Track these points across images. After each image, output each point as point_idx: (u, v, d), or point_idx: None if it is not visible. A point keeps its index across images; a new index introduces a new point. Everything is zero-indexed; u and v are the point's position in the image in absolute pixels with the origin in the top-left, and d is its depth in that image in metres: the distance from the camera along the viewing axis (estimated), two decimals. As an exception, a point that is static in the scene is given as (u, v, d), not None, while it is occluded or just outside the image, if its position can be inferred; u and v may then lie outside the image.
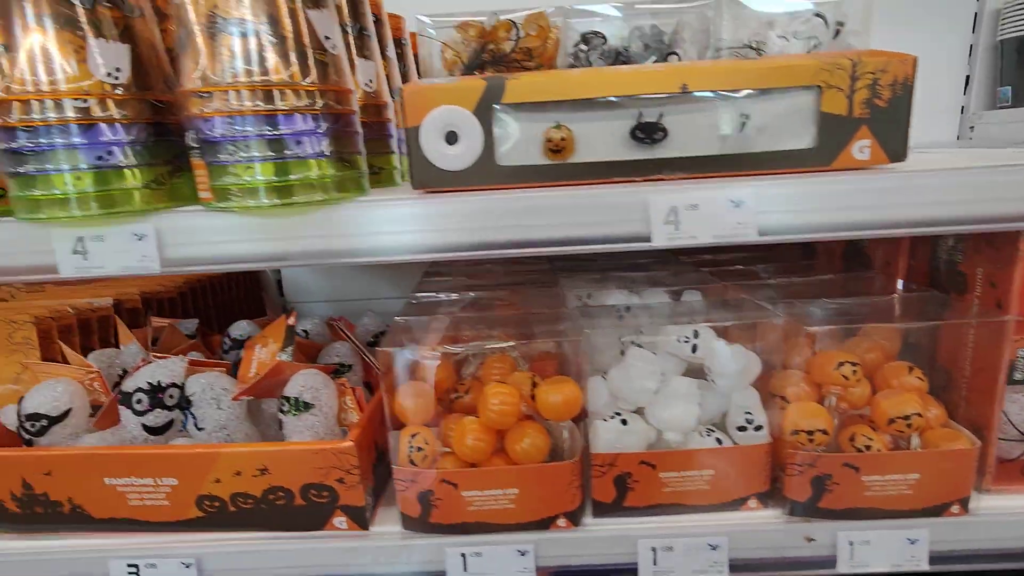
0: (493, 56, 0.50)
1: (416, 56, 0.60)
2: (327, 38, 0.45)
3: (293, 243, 0.47)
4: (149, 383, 0.57)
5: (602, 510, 0.55)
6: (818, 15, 0.50)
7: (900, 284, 0.64)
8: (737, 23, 0.52)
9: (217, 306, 0.97)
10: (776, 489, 0.55)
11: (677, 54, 0.51)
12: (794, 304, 0.59)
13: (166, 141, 0.48)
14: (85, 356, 0.67)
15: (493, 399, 0.51)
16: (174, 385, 0.59)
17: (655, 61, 0.52)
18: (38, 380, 0.61)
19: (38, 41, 0.42)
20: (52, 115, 0.43)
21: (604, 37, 0.51)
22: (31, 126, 0.43)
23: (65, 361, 0.73)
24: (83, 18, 0.42)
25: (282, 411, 0.57)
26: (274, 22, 0.42)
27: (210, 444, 0.54)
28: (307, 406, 0.56)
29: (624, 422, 0.54)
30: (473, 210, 0.46)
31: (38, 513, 0.55)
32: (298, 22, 0.43)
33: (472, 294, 0.68)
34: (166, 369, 0.59)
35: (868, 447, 0.51)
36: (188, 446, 0.54)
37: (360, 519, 0.54)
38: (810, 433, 0.51)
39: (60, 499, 0.55)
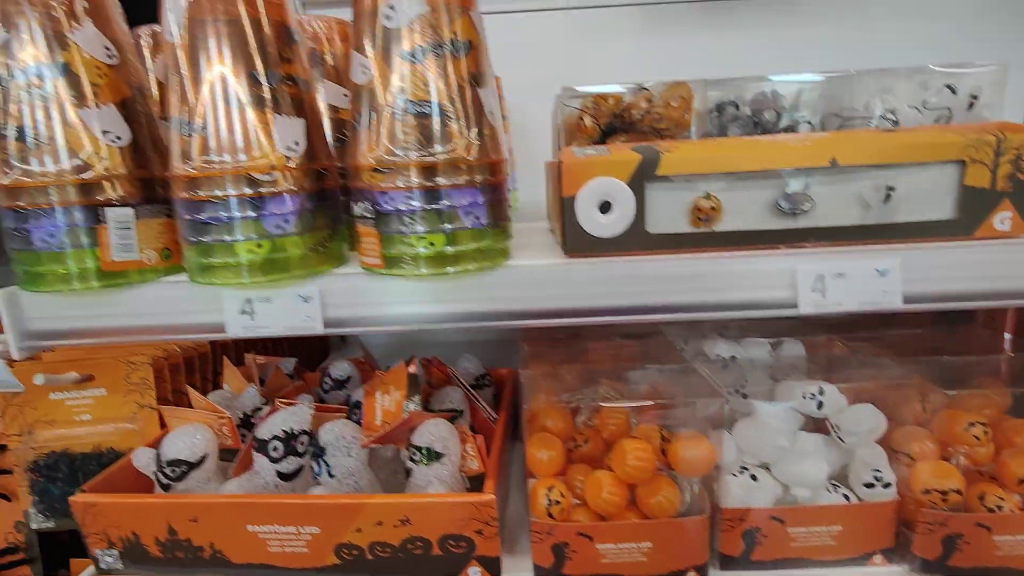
0: (630, 124, 0.52)
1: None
2: (491, 112, 0.47)
3: (449, 306, 0.49)
4: (284, 431, 0.59)
5: (729, 564, 0.56)
6: (948, 87, 0.52)
7: (1007, 338, 0.65)
8: (862, 91, 0.54)
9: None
10: (901, 545, 0.56)
11: (811, 123, 0.53)
12: (908, 361, 0.60)
13: (326, 207, 0.50)
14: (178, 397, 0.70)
15: (631, 454, 0.53)
16: (304, 432, 0.61)
17: (786, 128, 0.54)
18: (168, 423, 0.64)
19: (228, 119, 0.44)
20: (237, 189, 0.45)
21: (737, 105, 0.53)
22: (217, 199, 0.45)
23: (175, 401, 0.76)
24: (268, 96, 0.45)
25: (412, 460, 0.58)
26: (452, 103, 0.44)
27: (356, 495, 0.56)
28: (438, 456, 0.58)
29: (754, 477, 0.55)
30: (624, 275, 0.48)
31: (178, 557, 0.57)
32: (467, 100, 0.45)
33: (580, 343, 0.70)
34: (297, 417, 0.61)
35: (999, 507, 0.52)
36: (335, 496, 0.55)
37: (494, 569, 0.55)
38: (944, 493, 0.52)
39: (202, 544, 0.57)
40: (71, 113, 0.45)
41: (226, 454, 0.64)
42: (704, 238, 0.49)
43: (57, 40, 0.45)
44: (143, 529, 0.57)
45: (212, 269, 0.48)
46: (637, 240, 0.49)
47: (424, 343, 1.10)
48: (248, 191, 0.45)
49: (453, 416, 0.67)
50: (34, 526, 0.74)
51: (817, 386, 0.56)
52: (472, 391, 0.68)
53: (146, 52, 0.58)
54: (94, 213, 0.46)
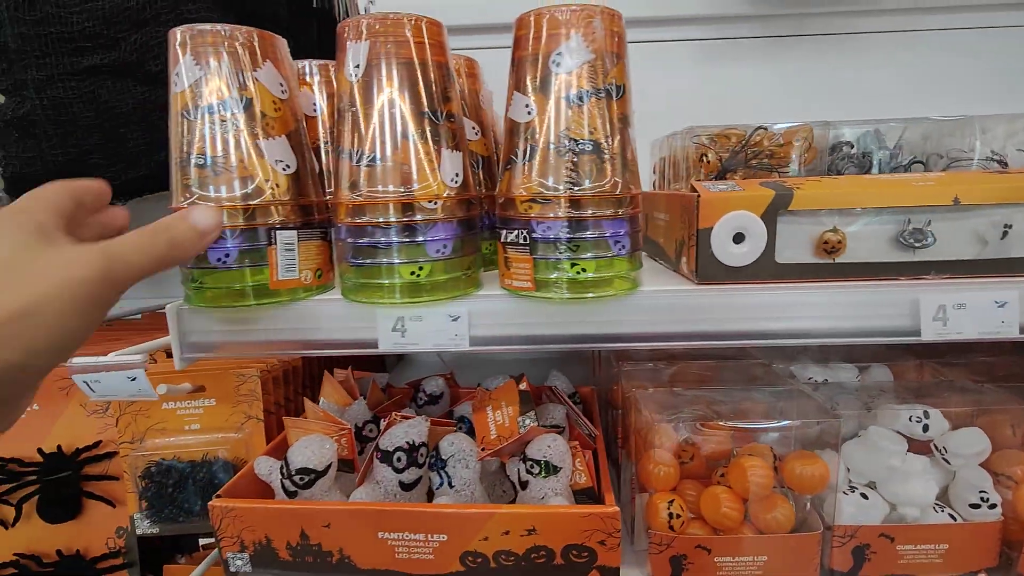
0: (748, 161, 0.56)
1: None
2: (634, 149, 0.51)
3: (589, 327, 0.52)
4: (407, 443, 0.62)
5: (838, 579, 0.58)
6: (1051, 131, 0.55)
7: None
8: (964, 133, 0.58)
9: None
10: (1004, 565, 0.58)
11: (923, 163, 0.57)
12: (1001, 386, 0.63)
13: (473, 234, 0.54)
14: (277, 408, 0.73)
15: (750, 471, 0.56)
16: (423, 444, 0.64)
17: (897, 168, 0.58)
18: (289, 433, 0.67)
19: (401, 152, 0.48)
20: (404, 216, 0.49)
21: (852, 144, 0.57)
22: (384, 225, 0.49)
23: (276, 412, 0.79)
24: (435, 132, 0.49)
25: (530, 472, 0.61)
26: (607, 141, 0.48)
27: (487, 505, 0.59)
28: (555, 469, 0.61)
29: (864, 496, 0.58)
30: (756, 302, 0.52)
31: (307, 562, 0.60)
32: (618, 139, 0.49)
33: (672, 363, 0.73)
34: (417, 429, 0.64)
35: (1103, 528, 0.55)
36: (466, 505, 0.58)
37: (613, 579, 0.58)
38: (1050, 514, 0.55)
39: (331, 549, 0.59)
40: (250, 144, 0.49)
41: (341, 464, 0.67)
42: (830, 268, 0.52)
43: (243, 78, 0.49)
44: (277, 533, 0.59)
45: (370, 288, 0.51)
46: (766, 269, 0.52)
47: (479, 362, 1.13)
48: (415, 218, 0.49)
49: (557, 432, 0.70)
50: (139, 532, 0.76)
51: (922, 410, 0.59)
52: (574, 408, 0.71)
53: (315, 86, 0.62)
54: (267, 235, 0.50)
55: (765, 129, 0.57)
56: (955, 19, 1.10)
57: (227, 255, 0.49)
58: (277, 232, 0.51)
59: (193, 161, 0.49)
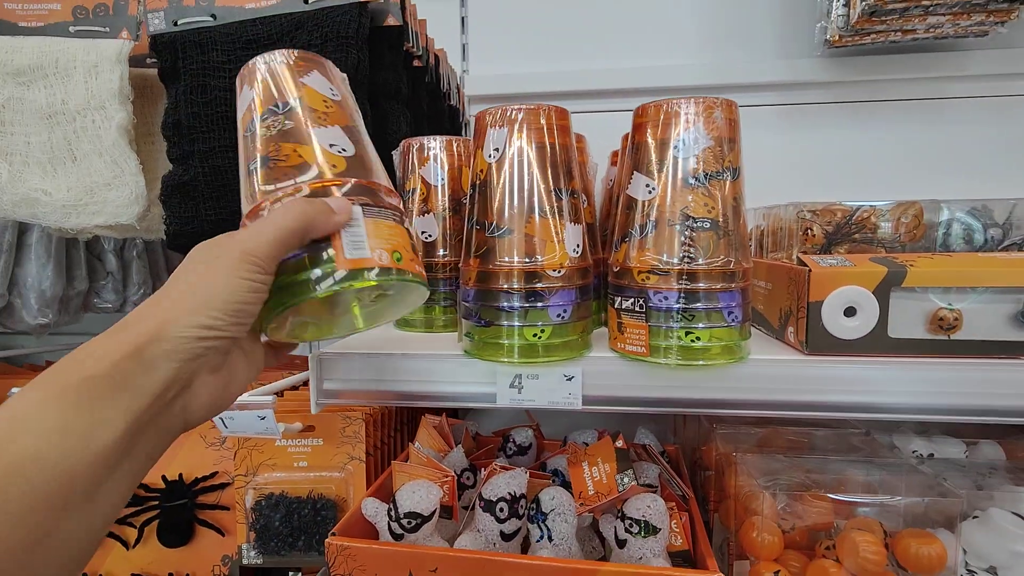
0: (855, 237, 0.58)
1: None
2: (745, 227, 0.54)
3: (698, 392, 0.55)
4: (510, 494, 0.65)
5: (956, 669, 0.56)
6: None
7: None
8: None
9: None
10: None
11: (1036, 241, 0.58)
12: None
13: (588, 299, 0.58)
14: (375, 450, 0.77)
15: (863, 547, 0.55)
16: (523, 496, 0.66)
17: (1010, 247, 0.58)
18: (396, 477, 0.71)
19: (530, 225, 0.53)
20: (531, 283, 0.53)
21: (961, 222, 0.58)
22: (512, 291, 0.54)
23: (375, 455, 0.83)
24: (562, 207, 0.54)
25: (629, 532, 0.62)
26: (724, 220, 0.51)
27: (591, 561, 0.60)
28: (655, 530, 0.62)
29: (983, 581, 0.56)
30: (867, 376, 0.53)
31: (412, 605, 0.63)
32: (733, 217, 0.52)
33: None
34: (517, 481, 0.66)
35: None
36: (570, 560, 0.60)
37: (714, 649, 0.58)
38: None
39: (435, 595, 0.62)
40: (301, 132, 0.47)
41: (441, 510, 0.70)
42: (943, 345, 0.53)
43: (287, 84, 0.50)
44: (386, 574, 0.62)
45: (492, 348, 0.56)
46: (877, 343, 0.53)
47: (560, 414, 1.15)
48: (540, 285, 0.53)
49: (652, 491, 0.71)
50: (245, 562, 0.81)
51: (1045, 493, 0.57)
52: (667, 468, 0.72)
53: (443, 157, 0.69)
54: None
55: (872, 206, 0.59)
56: (1052, 86, 1.09)
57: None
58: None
59: (251, 167, 0.48)
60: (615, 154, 0.81)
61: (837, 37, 1.05)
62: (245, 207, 0.48)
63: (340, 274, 0.42)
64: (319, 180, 0.46)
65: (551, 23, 1.25)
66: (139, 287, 1.17)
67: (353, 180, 0.47)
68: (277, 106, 0.49)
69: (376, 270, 0.43)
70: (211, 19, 0.74)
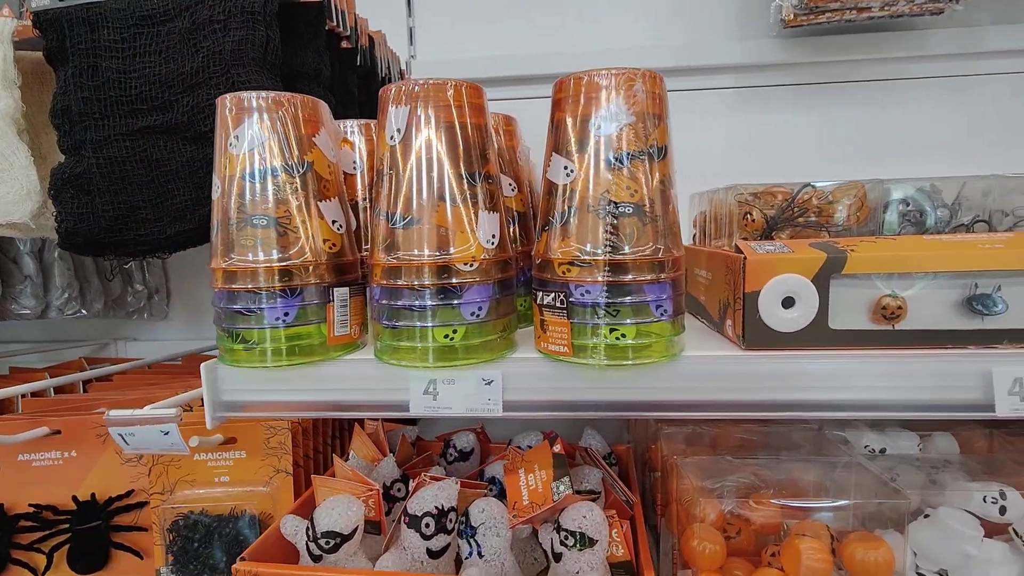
0: (794, 219, 0.54)
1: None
2: (675, 210, 0.49)
3: (627, 394, 0.50)
4: (436, 508, 0.60)
5: None
6: None
7: None
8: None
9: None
10: (1104, 672, 0.51)
11: (986, 223, 0.54)
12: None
13: (508, 295, 0.53)
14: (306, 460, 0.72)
15: (806, 554, 0.51)
16: (452, 509, 0.61)
17: (958, 228, 0.55)
18: (317, 492, 0.65)
19: (439, 214, 0.48)
20: (440, 279, 0.48)
21: (908, 203, 0.54)
22: (419, 287, 0.48)
23: (304, 467, 0.78)
24: (474, 193, 0.49)
25: (564, 544, 0.58)
26: (650, 204, 0.47)
27: (519, 581, 0.56)
28: (592, 542, 0.57)
29: (935, 585, 0.52)
30: (808, 371, 0.48)
31: (330, 633, 0.57)
32: (660, 201, 0.48)
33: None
34: (447, 493, 0.61)
35: None
36: (496, 581, 0.55)
37: (654, 669, 0.53)
38: None
39: (355, 621, 0.57)
40: (313, 205, 0.50)
41: (367, 525, 0.64)
42: (888, 336, 0.49)
43: (303, 143, 0.50)
44: (300, 602, 0.57)
45: (403, 351, 0.50)
46: (818, 335, 0.49)
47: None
48: (452, 280, 0.48)
49: (593, 498, 0.66)
50: (164, 585, 0.75)
51: (998, 489, 0.53)
52: (610, 472, 0.68)
53: (356, 145, 0.63)
54: (325, 292, 0.50)
55: (813, 187, 0.55)
56: (1010, 63, 1.06)
57: (286, 314, 0.49)
58: (335, 289, 0.51)
59: (254, 222, 0.49)
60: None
61: (792, 16, 1.01)
62: (219, 255, 0.51)
63: None
64: (323, 260, 0.52)
65: (502, 5, 1.19)
66: (62, 291, 1.09)
67: (344, 262, 0.54)
68: (290, 167, 0.50)
69: None
70: (101, -7, 0.67)
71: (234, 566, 0.58)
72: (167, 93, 0.66)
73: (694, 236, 0.72)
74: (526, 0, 1.19)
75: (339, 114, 0.77)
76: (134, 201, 0.67)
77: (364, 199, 0.65)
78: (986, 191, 0.57)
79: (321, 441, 0.85)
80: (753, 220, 0.55)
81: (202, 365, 0.53)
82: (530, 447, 0.79)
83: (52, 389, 0.95)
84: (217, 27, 0.65)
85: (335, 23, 0.79)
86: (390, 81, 1.02)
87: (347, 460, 0.76)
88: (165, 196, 0.68)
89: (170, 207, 0.68)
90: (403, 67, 1.15)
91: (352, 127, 0.63)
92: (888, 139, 1.12)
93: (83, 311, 1.14)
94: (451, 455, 0.79)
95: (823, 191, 0.54)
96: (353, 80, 0.86)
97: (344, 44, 0.83)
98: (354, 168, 0.63)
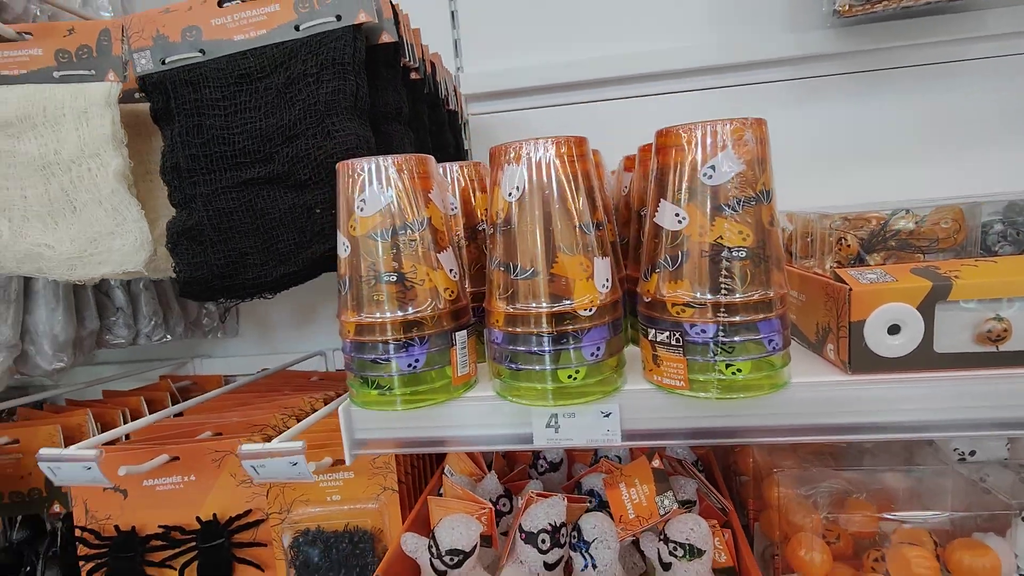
0: (888, 242, 0.56)
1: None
2: (780, 248, 0.52)
3: (741, 421, 0.53)
4: (550, 524, 0.64)
5: (1013, 673, 0.56)
6: None
7: None
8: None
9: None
10: None
11: (1086, 240, 0.55)
12: None
13: (620, 330, 0.56)
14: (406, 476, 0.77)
15: (914, 563, 0.54)
16: (564, 524, 0.66)
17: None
18: (432, 511, 0.70)
19: (558, 265, 0.51)
20: (562, 325, 0.51)
21: (1004, 222, 0.55)
22: (542, 333, 0.52)
23: (407, 483, 0.83)
24: (589, 242, 0.52)
25: (673, 555, 0.62)
26: (759, 247, 0.49)
27: (638, 593, 0.60)
28: (700, 552, 0.61)
29: (1038, 587, 0.55)
30: (914, 394, 0.51)
31: (462, 642, 0.63)
32: (768, 243, 0.50)
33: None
34: (557, 509, 0.66)
35: None
36: (619, 594, 0.60)
37: (768, 668, 0.58)
38: None
39: (485, 631, 0.62)
40: (434, 258, 0.53)
41: (480, 540, 0.69)
42: (992, 357, 0.51)
43: (421, 201, 0.54)
44: (433, 615, 0.63)
45: (524, 390, 0.54)
46: (924, 359, 0.51)
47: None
48: (571, 327, 0.51)
49: (689, 507, 0.70)
50: (287, 596, 0.82)
51: (1098, 494, 0.56)
52: (704, 482, 0.72)
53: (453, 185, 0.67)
54: (449, 337, 0.54)
55: (908, 211, 0.56)
56: (1073, 44, 1.04)
57: (416, 360, 0.54)
58: (455, 334, 0.55)
59: (384, 278, 0.53)
60: (628, 159, 0.78)
61: (846, 7, 1.00)
62: (349, 308, 0.56)
63: None
64: (445, 309, 0.56)
65: (546, 10, 1.20)
66: (149, 319, 1.16)
67: (460, 306, 0.58)
68: (412, 225, 0.54)
69: None
70: (200, 54, 0.71)
71: (371, 585, 0.63)
72: (267, 146, 0.70)
73: (775, 251, 0.74)
74: (570, 3, 1.19)
75: (416, 148, 0.80)
76: (243, 248, 0.72)
77: (458, 237, 0.68)
78: (1078, 202, 0.58)
79: (416, 458, 0.90)
80: (848, 245, 0.57)
81: (339, 409, 0.58)
82: (619, 457, 0.83)
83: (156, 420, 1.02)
84: (310, 80, 0.68)
85: (407, 58, 0.82)
86: (447, 100, 1.05)
87: (444, 474, 0.81)
88: (270, 242, 0.72)
89: (275, 251, 0.73)
90: (454, 83, 1.17)
91: (452, 169, 0.67)
92: (947, 124, 1.11)
93: (168, 336, 1.21)
94: (542, 466, 0.84)
95: (917, 213, 0.56)
96: (424, 110, 0.89)
97: (413, 76, 0.86)
98: (453, 209, 0.67)
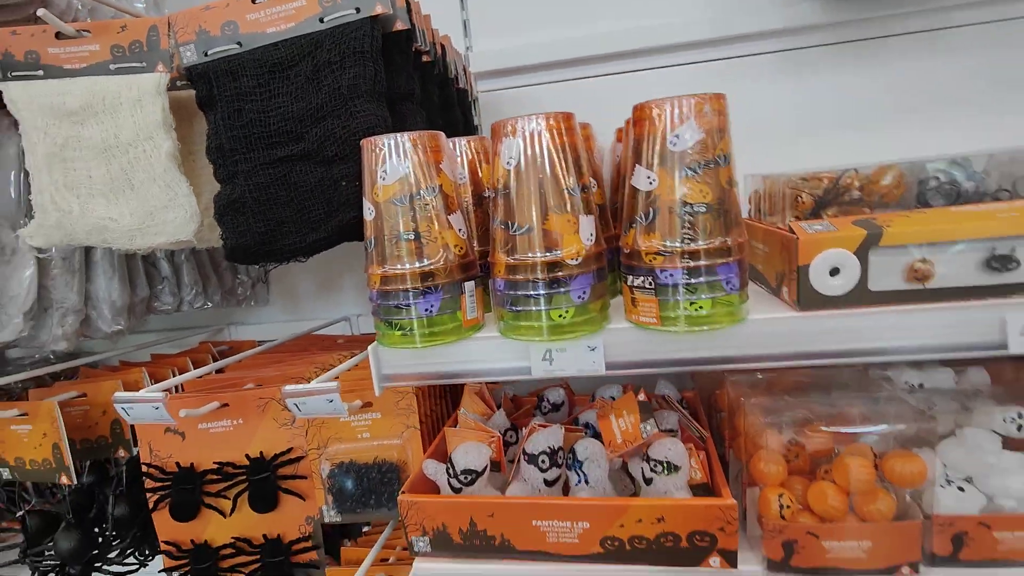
0: (838, 199, 0.64)
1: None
2: (739, 204, 0.61)
3: (706, 352, 0.63)
4: (549, 448, 0.75)
5: (939, 562, 0.66)
6: None
7: None
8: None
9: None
10: (1104, 550, 0.63)
11: (1008, 191, 0.63)
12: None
13: (604, 278, 0.66)
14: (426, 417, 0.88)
15: (855, 469, 0.64)
16: (560, 449, 0.77)
17: (984, 196, 0.64)
18: (449, 440, 0.82)
19: (548, 222, 0.61)
20: (553, 272, 0.61)
21: (939, 178, 0.64)
22: (536, 280, 0.62)
23: (427, 422, 0.95)
24: (574, 203, 0.61)
25: (654, 471, 0.73)
26: (719, 203, 0.58)
27: (624, 499, 0.71)
28: (676, 468, 0.72)
29: (961, 489, 0.65)
30: (852, 326, 0.60)
31: (476, 545, 0.75)
32: (726, 200, 0.59)
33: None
34: (555, 436, 0.77)
35: None
36: (607, 499, 0.71)
37: (732, 560, 0.68)
38: None
39: (494, 534, 0.74)
40: (445, 219, 0.64)
41: (490, 464, 0.81)
42: (919, 294, 0.60)
43: (434, 171, 0.63)
44: (451, 522, 0.74)
45: (523, 328, 0.64)
46: (861, 297, 0.60)
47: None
48: (560, 273, 0.61)
49: (672, 436, 0.81)
50: (326, 520, 0.95)
51: (1016, 410, 0.65)
52: (685, 414, 0.82)
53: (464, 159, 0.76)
54: (459, 286, 0.65)
55: (856, 171, 0.65)
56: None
57: (432, 306, 0.64)
58: (465, 283, 0.65)
59: (403, 237, 0.64)
60: (620, 132, 0.86)
61: (832, -19, 1.06)
62: (375, 263, 0.67)
63: None
64: (455, 262, 0.66)
65: (550, -10, 1.26)
66: (191, 287, 1.28)
67: (468, 260, 0.69)
68: (426, 191, 0.64)
69: None
70: (237, 46, 0.80)
71: (399, 497, 0.75)
72: (299, 126, 0.80)
73: (749, 211, 0.83)
74: (572, -19, 1.26)
75: (427, 124, 0.90)
76: (280, 217, 0.82)
77: (466, 202, 0.78)
78: (1013, 159, 0.66)
79: (435, 402, 1.02)
80: (803, 202, 0.66)
81: (369, 348, 0.69)
82: (613, 397, 0.93)
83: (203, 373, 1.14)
84: (335, 67, 0.78)
85: (419, 43, 0.91)
86: (457, 79, 1.13)
87: (459, 413, 0.92)
88: (303, 211, 0.83)
89: (307, 220, 0.83)
90: (464, 62, 1.25)
91: (460, 143, 0.76)
92: (934, 91, 1.16)
93: (208, 303, 1.33)
94: (545, 407, 0.95)
95: (863, 174, 0.64)
96: (434, 90, 0.98)
97: (425, 58, 0.95)
98: (462, 179, 0.76)
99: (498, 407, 0.92)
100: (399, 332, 0.66)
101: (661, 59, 1.25)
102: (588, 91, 1.29)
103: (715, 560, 0.69)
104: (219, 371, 1.18)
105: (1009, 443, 0.66)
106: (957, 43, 1.15)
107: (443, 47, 1.05)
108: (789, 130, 1.21)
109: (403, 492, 0.76)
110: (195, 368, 1.24)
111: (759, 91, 1.22)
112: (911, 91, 1.17)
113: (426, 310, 0.64)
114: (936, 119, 1.17)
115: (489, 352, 0.67)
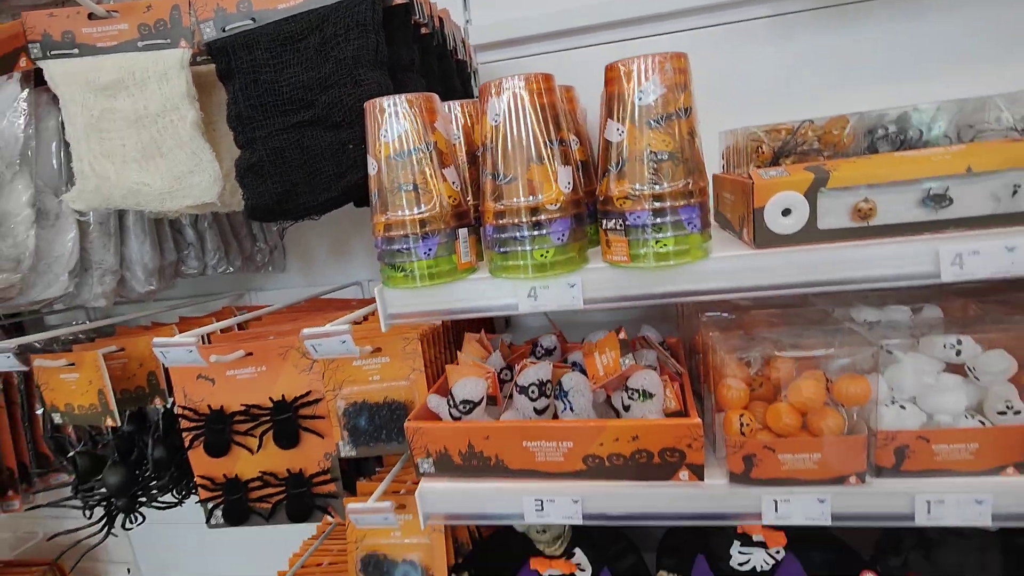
0: (797, 148, 0.71)
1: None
2: (701, 151, 0.68)
3: (674, 286, 0.71)
4: (538, 380, 0.84)
5: (883, 473, 0.74)
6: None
7: None
8: (993, 107, 0.69)
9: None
10: (1031, 460, 0.71)
11: (948, 137, 0.69)
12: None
13: (582, 223, 0.74)
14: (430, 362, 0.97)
15: (806, 389, 0.72)
16: (549, 381, 0.86)
17: (927, 143, 0.70)
18: (450, 376, 0.91)
19: (532, 170, 0.69)
20: (535, 216, 0.69)
21: (886, 127, 0.70)
22: (519, 223, 0.70)
23: (432, 366, 1.04)
24: (553, 154, 0.69)
25: (631, 398, 0.81)
26: (680, 151, 0.65)
27: (601, 420, 0.80)
28: (650, 395, 0.81)
29: (903, 407, 0.73)
30: (803, 261, 0.68)
31: (473, 465, 0.84)
32: (689, 148, 0.66)
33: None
34: (543, 370, 0.85)
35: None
36: (586, 420, 0.80)
37: (699, 473, 0.77)
38: (1067, 416, 0.67)
39: (490, 455, 0.83)
40: (440, 172, 0.72)
41: (487, 399, 0.90)
42: (863, 231, 0.67)
43: (429, 129, 0.71)
44: (451, 445, 0.84)
45: (510, 268, 0.73)
46: (810, 235, 0.68)
47: (581, 323, 1.33)
48: (541, 217, 0.69)
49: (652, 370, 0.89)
50: (342, 454, 1.05)
51: (955, 338, 0.72)
52: (663, 352, 0.90)
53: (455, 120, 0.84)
54: (454, 232, 0.73)
55: (811, 121, 0.71)
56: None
57: (430, 249, 0.73)
58: (459, 230, 0.74)
59: (403, 188, 0.72)
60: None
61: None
62: (379, 211, 0.74)
63: None
64: (450, 210, 0.75)
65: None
66: (214, 253, 1.38)
67: (462, 209, 0.78)
68: (422, 147, 0.72)
69: None
70: (252, 22, 0.88)
71: (405, 424, 0.85)
72: (309, 95, 0.88)
73: (723, 166, 0.90)
74: (566, -45, 1.30)
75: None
76: (294, 179, 0.91)
77: (462, 160, 0.86)
78: (960, 108, 0.72)
79: (438, 349, 1.11)
80: (763, 152, 0.73)
81: (375, 290, 0.78)
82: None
83: (227, 326, 1.24)
84: (340, 39, 0.86)
85: (418, 15, 0.98)
86: (456, 51, 1.20)
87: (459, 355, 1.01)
88: (314, 173, 0.91)
89: (319, 181, 0.92)
90: (463, 35, 1.31)
91: (453, 107, 0.84)
92: (918, 50, 1.20)
93: (230, 268, 1.43)
94: (539, 352, 1.03)
95: (816, 125, 0.71)
96: (433, 61, 1.05)
97: (423, 31, 1.02)
98: (456, 138, 0.84)
99: (496, 351, 1.01)
100: (401, 274, 0.75)
101: (656, 27, 1.29)
102: (584, 60, 1.35)
103: (684, 474, 0.78)
104: (241, 327, 1.29)
105: (952, 368, 0.74)
106: (941, 2, 1.18)
107: (441, 20, 1.11)
108: (780, 93, 1.26)
109: (408, 420, 0.86)
110: (220, 330, 1.35)
111: (749, 56, 1.27)
112: (898, 50, 1.21)
113: (425, 252, 0.73)
114: (921, 76, 1.21)
115: (481, 291, 0.76)
